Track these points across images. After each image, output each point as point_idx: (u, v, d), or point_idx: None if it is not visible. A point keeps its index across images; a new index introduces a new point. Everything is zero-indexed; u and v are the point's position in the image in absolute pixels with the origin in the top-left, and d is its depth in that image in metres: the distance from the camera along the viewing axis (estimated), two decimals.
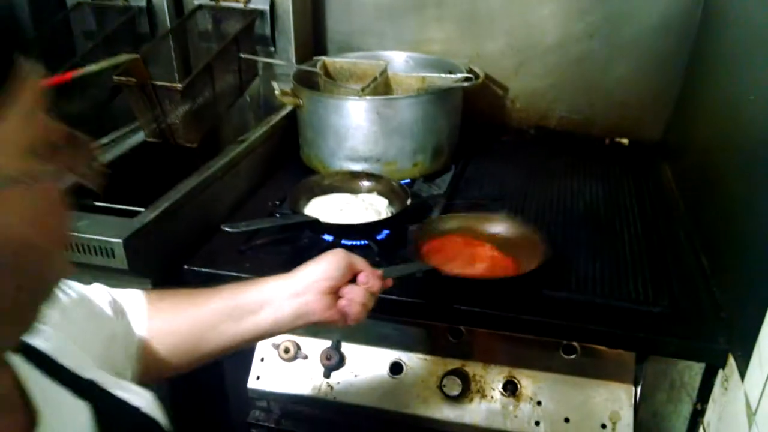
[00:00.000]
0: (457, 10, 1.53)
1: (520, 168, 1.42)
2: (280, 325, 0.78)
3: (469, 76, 1.39)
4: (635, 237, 1.14)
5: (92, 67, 1.10)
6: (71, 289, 0.69)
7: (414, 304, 0.97)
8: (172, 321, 0.77)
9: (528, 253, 1.00)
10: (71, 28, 1.55)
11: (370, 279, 0.80)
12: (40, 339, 0.55)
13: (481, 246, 1.06)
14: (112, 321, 0.73)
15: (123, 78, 1.18)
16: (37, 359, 0.53)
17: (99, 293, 0.74)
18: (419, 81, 1.42)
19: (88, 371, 0.57)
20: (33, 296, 0.42)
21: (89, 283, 0.75)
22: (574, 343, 0.97)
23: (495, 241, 1.06)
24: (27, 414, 0.48)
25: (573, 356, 0.97)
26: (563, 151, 1.52)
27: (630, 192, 1.31)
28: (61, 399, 0.52)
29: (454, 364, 1.02)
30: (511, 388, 0.99)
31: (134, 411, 0.57)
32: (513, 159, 1.48)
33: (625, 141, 1.54)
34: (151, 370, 0.76)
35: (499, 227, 1.08)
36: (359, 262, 0.81)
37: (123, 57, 1.17)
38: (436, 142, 1.35)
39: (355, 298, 0.78)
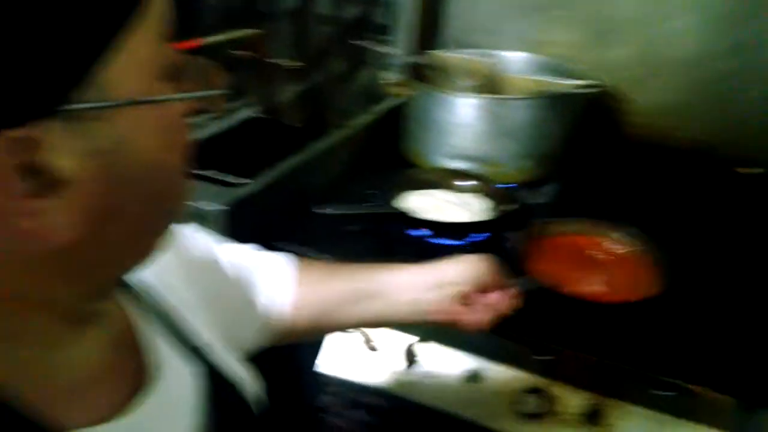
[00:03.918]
0: (584, 12, 1.44)
1: (634, 189, 1.32)
2: (401, 315, 0.76)
3: (591, 83, 1.31)
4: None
5: (219, 37, 1.12)
6: (228, 253, 0.70)
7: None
8: (319, 293, 0.76)
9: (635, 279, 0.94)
10: None
11: (504, 299, 0.77)
12: (173, 293, 0.55)
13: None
14: (256, 288, 0.72)
15: (241, 52, 1.20)
16: (162, 317, 0.53)
17: (250, 255, 0.74)
18: (535, 84, 1.35)
19: (207, 334, 0.56)
20: (154, 224, 0.41)
21: None
22: (678, 381, 0.87)
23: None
24: (140, 364, 0.48)
25: (671, 394, 0.88)
26: (686, 176, 1.40)
27: (764, 228, 1.18)
28: (175, 358, 0.51)
29: (536, 381, 0.96)
30: (594, 416, 0.91)
31: (236, 387, 0.56)
32: (628, 178, 1.38)
33: (757, 171, 1.39)
34: (276, 335, 0.75)
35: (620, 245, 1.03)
36: (500, 278, 0.77)
37: (247, 31, 1.18)
38: (546, 148, 1.28)
39: (497, 307, 0.75)
